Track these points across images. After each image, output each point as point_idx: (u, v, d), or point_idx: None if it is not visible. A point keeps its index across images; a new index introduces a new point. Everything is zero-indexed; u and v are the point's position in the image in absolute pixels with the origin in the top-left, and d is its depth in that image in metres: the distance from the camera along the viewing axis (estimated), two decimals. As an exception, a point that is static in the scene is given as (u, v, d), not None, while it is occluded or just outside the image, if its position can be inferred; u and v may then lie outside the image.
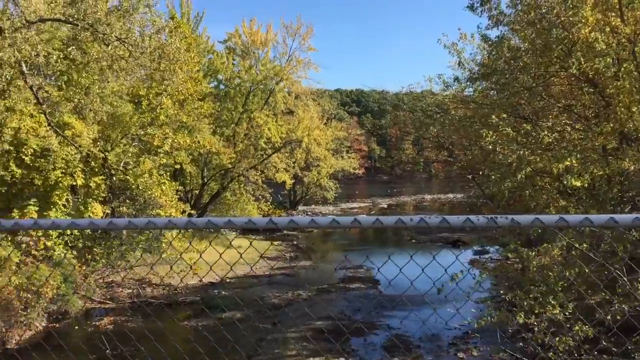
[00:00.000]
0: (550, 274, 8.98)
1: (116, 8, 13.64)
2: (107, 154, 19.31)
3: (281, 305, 17.49)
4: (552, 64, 11.86)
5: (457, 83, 19.02)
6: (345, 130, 53.91)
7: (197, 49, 27.02)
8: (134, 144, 20.33)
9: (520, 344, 8.65)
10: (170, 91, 19.67)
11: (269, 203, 32.82)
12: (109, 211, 19.45)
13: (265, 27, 34.02)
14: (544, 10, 11.36)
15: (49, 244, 16.55)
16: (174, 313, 16.79)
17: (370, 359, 13.26)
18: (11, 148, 15.93)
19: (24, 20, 12.62)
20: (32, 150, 16.41)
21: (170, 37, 17.08)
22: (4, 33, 12.29)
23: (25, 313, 14.44)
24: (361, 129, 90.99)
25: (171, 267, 18.69)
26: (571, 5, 10.74)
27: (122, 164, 19.61)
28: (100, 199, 19.20)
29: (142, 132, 19.96)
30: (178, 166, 26.46)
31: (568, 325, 8.47)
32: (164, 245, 20.15)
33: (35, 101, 15.33)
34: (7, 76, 12.88)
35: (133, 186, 19.46)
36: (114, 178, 19.53)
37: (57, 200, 17.56)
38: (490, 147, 10.94)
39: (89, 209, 18.12)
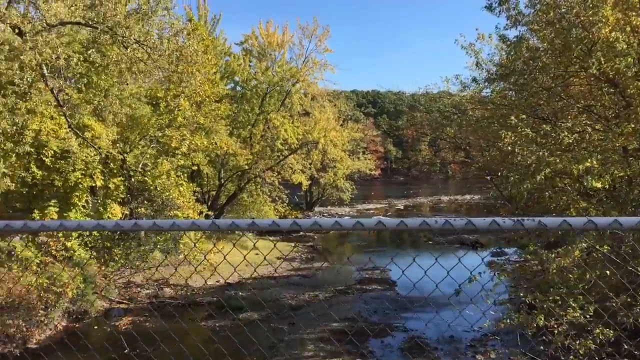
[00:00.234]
0: (571, 276, 8.89)
1: (135, 11, 13.76)
2: (125, 155, 19.50)
3: (299, 306, 17.51)
4: (572, 64, 11.74)
5: (474, 84, 18.92)
6: (362, 131, 53.84)
7: (214, 51, 27.17)
8: (152, 145, 20.50)
9: (541, 347, 8.56)
10: (188, 93, 19.80)
11: (285, 204, 32.86)
12: (127, 212, 19.63)
13: (281, 29, 34.09)
14: (563, 10, 11.25)
15: (68, 244, 16.74)
16: (191, 314, 16.88)
17: (388, 361, 13.23)
18: (32, 150, 16.14)
19: (44, 24, 12.78)
20: (52, 152, 16.62)
21: (188, 40, 17.20)
22: (26, 36, 12.45)
23: (45, 313, 14.62)
24: (377, 130, 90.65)
25: (195, 269, 18.78)
26: (591, 5, 10.61)
27: (140, 166, 19.78)
28: (119, 200, 19.39)
29: (160, 134, 20.12)
30: (195, 167, 26.63)
31: (589, 328, 8.37)
32: (181, 246, 20.28)
33: (55, 103, 15.51)
34: (29, 79, 13.05)
35: (151, 187, 19.62)
36: (133, 179, 19.70)
37: (77, 201, 17.78)
38: (509, 148, 10.86)
39: (108, 209, 18.31)
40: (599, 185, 10.07)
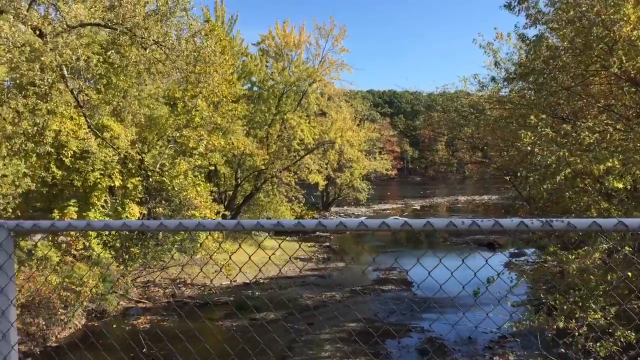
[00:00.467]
0: (592, 277, 8.79)
1: (154, 12, 13.84)
2: (143, 155, 19.64)
3: (314, 307, 17.52)
4: (593, 63, 11.61)
5: (493, 83, 18.78)
6: (378, 131, 53.68)
7: (231, 52, 27.25)
8: (169, 145, 20.63)
9: (562, 349, 8.47)
10: (206, 93, 19.89)
11: (301, 204, 32.89)
12: (145, 212, 19.77)
13: (298, 29, 34.10)
14: (583, 8, 11.12)
15: (87, 244, 16.91)
16: (208, 313, 16.95)
17: (405, 362, 13.18)
18: (52, 150, 16.31)
19: (65, 25, 12.91)
20: (72, 152, 16.78)
21: (205, 40, 17.27)
22: (46, 38, 12.59)
23: (65, 311, 14.76)
24: (393, 130, 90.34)
25: (221, 269, 18.84)
26: (612, 3, 10.48)
27: (158, 166, 19.91)
28: (137, 199, 19.54)
29: (177, 134, 20.24)
30: (212, 167, 26.75)
31: (609, 330, 8.27)
32: (199, 246, 20.38)
33: (75, 104, 15.67)
34: (49, 80, 13.19)
35: (169, 187, 19.74)
36: (151, 179, 19.83)
37: (96, 201, 17.94)
38: (529, 148, 10.75)
39: (127, 209, 18.45)
40: (620, 185, 9.93)
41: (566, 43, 12.12)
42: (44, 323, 14.07)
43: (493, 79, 18.41)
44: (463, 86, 22.30)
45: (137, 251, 19.08)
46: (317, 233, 30.55)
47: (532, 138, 10.83)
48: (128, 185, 18.81)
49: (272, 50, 33.87)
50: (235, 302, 17.83)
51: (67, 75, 13.93)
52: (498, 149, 22.99)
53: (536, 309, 10.45)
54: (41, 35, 12.72)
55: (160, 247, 19.77)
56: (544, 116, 11.99)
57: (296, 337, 14.48)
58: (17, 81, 15.78)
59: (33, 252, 15.78)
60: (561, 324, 8.44)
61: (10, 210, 15.19)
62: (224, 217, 23.44)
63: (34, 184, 15.97)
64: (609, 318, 8.27)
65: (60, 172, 16.99)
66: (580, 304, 8.54)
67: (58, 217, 16.70)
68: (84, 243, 16.81)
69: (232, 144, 23.78)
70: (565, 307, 8.57)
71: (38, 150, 15.72)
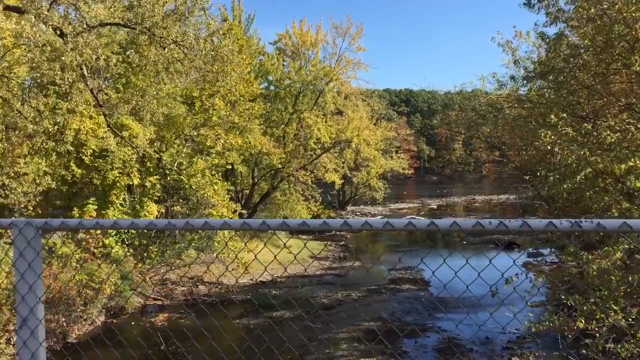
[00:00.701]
0: (612, 278, 8.68)
1: (172, 12, 13.92)
2: (161, 154, 19.79)
3: (332, 305, 17.52)
4: (614, 62, 11.46)
5: (512, 82, 18.61)
6: (395, 130, 53.51)
7: (249, 51, 27.35)
8: (187, 144, 20.77)
9: (583, 350, 8.38)
10: (223, 92, 19.99)
11: (318, 203, 32.91)
12: (163, 210, 19.92)
13: (315, 28, 34.13)
14: (605, 6, 10.97)
15: (106, 241, 17.08)
16: (226, 311, 17.03)
17: (422, 362, 13.14)
18: (72, 148, 16.51)
19: (85, 25, 13.02)
20: (91, 151, 16.98)
21: (223, 40, 17.34)
22: (66, 37, 12.71)
23: (84, 308, 14.93)
24: (410, 129, 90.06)
25: (246, 268, 18.94)
26: (634, 1, 10.34)
27: (176, 164, 20.05)
28: (155, 198, 19.70)
29: (195, 133, 20.37)
30: (229, 166, 26.87)
31: (631, 332, 8.17)
32: (216, 244, 20.48)
33: (95, 103, 15.82)
34: (69, 79, 13.32)
35: (186, 186, 19.87)
36: (168, 178, 19.98)
37: (115, 199, 18.13)
38: (549, 147, 10.64)
39: (145, 207, 18.62)
40: (641, 185, 9.79)
41: (587, 41, 11.96)
42: (63, 320, 14.24)
43: (512, 77, 18.25)
44: (481, 85, 22.17)
45: (156, 249, 19.24)
46: (334, 232, 30.53)
47: (552, 137, 10.72)
48: (146, 184, 18.98)
49: (289, 49, 33.94)
50: (251, 300, 17.88)
51: (86, 75, 14.06)
52: (516, 148, 22.79)
53: (555, 309, 10.36)
54: (62, 35, 12.85)
55: (177, 245, 19.91)
56: (564, 115, 11.87)
57: (311, 335, 14.49)
58: (38, 80, 16.02)
59: (53, 249, 15.98)
60: (581, 325, 8.34)
61: (31, 208, 15.41)
62: (240, 215, 23.55)
63: (54, 182, 16.18)
64: (630, 320, 8.17)
65: (79, 171, 17.19)
66: (600, 304, 8.44)
67: (77, 215, 16.90)
68: (102, 241, 17.00)
69: (249, 142, 23.88)
70: (585, 308, 8.47)
71: (58, 149, 15.92)
